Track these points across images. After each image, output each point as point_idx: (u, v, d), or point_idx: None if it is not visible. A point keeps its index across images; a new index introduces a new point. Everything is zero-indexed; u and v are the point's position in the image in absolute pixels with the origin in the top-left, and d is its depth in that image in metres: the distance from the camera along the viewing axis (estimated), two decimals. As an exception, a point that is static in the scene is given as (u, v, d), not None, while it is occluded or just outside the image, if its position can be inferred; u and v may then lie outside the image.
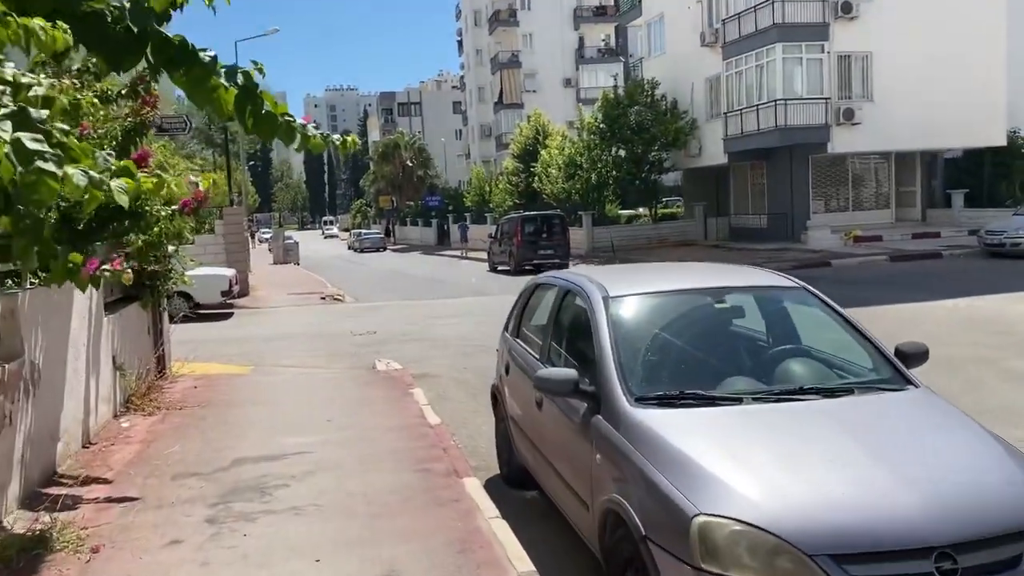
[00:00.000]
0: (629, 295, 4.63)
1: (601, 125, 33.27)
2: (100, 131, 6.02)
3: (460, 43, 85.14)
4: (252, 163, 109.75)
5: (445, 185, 74.95)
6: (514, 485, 5.91)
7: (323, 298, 20.86)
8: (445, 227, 56.67)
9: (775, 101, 27.57)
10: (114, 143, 6.08)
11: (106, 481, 5.70)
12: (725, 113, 30.68)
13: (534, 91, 69.50)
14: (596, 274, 5.16)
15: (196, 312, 17.69)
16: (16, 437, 5.10)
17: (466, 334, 13.86)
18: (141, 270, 8.50)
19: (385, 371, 10.29)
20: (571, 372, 4.17)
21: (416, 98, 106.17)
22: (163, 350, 9.81)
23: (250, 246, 72.98)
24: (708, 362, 4.38)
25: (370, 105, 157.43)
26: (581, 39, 70.47)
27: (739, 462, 3.30)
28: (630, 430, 3.67)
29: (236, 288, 18.69)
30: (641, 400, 3.85)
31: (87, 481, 5.67)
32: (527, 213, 29.77)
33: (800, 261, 24.24)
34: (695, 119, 33.05)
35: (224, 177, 46.40)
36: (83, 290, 4.63)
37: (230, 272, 18.32)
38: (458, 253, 43.90)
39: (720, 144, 31.22)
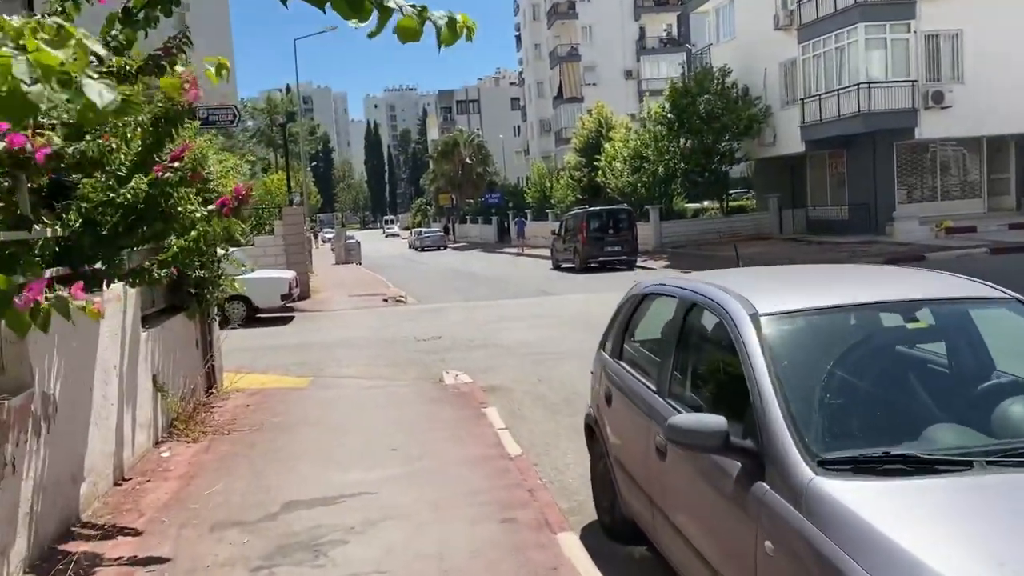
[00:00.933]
0: (786, 312, 3.49)
1: (668, 115, 31.86)
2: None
3: (518, 38, 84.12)
4: (314, 163, 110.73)
5: (504, 182, 74.10)
6: (619, 539, 4.83)
7: (385, 300, 20.07)
8: (505, 224, 55.79)
9: (857, 85, 25.84)
10: (139, 131, 5.19)
11: (135, 532, 4.82)
12: (802, 99, 29.00)
13: (594, 84, 68.06)
14: (730, 281, 4.04)
15: (255, 317, 17.07)
16: (22, 487, 4.24)
17: (535, 340, 12.85)
18: (182, 277, 7.68)
19: (454, 385, 9.31)
20: (718, 422, 3.07)
21: (474, 95, 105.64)
22: (213, 364, 9.00)
23: (313, 246, 73.38)
24: (903, 403, 3.24)
25: (429, 104, 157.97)
26: (642, 29, 68.75)
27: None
28: (820, 513, 2.57)
29: (296, 291, 18.01)
30: (828, 465, 2.74)
31: (112, 532, 4.80)
32: (593, 208, 28.60)
33: (890, 255, 22.54)
34: (768, 106, 31.41)
35: (283, 178, 46.38)
36: (21, 335, 3.58)
37: (290, 275, 17.64)
38: (518, 251, 42.94)
39: (796, 132, 29.54)
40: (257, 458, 6.36)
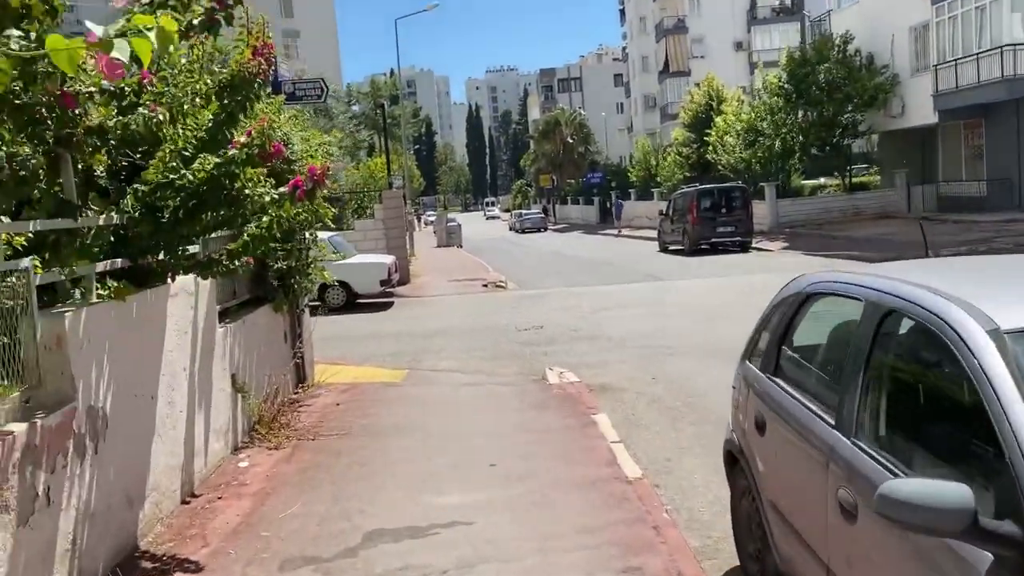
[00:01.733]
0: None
1: (786, 86, 29.85)
2: (181, 84, 4.46)
3: (622, 12, 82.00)
4: (416, 147, 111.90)
5: (606, 161, 72.53)
6: (770, 598, 3.84)
7: (485, 285, 19.40)
8: (608, 205, 54.48)
9: (1000, 48, 23.36)
10: (199, 102, 4.50)
11: (195, 568, 4.17)
12: (935, 66, 26.56)
13: (701, 57, 65.48)
14: (939, 278, 2.98)
15: (355, 302, 16.67)
16: (61, 519, 3.62)
17: (645, 330, 11.83)
18: (263, 267, 7.08)
19: (559, 385, 8.44)
20: (960, 495, 2.07)
21: (576, 73, 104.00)
22: (302, 358, 8.42)
23: (416, 228, 73.89)
24: None
25: (530, 84, 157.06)
26: (753, -1, 65.66)
27: None
28: None
29: (396, 276, 17.53)
30: None
31: (171, 567, 4.16)
32: (703, 186, 27.09)
33: (1037, 234, 20.37)
34: (896, 75, 29.00)
35: (384, 161, 46.55)
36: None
37: (389, 260, 17.16)
38: (624, 232, 41.65)
39: (928, 101, 27.12)
40: (341, 473, 5.67)
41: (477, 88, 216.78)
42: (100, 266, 4.32)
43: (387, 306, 16.87)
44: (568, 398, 7.76)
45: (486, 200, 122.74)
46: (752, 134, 31.41)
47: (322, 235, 17.08)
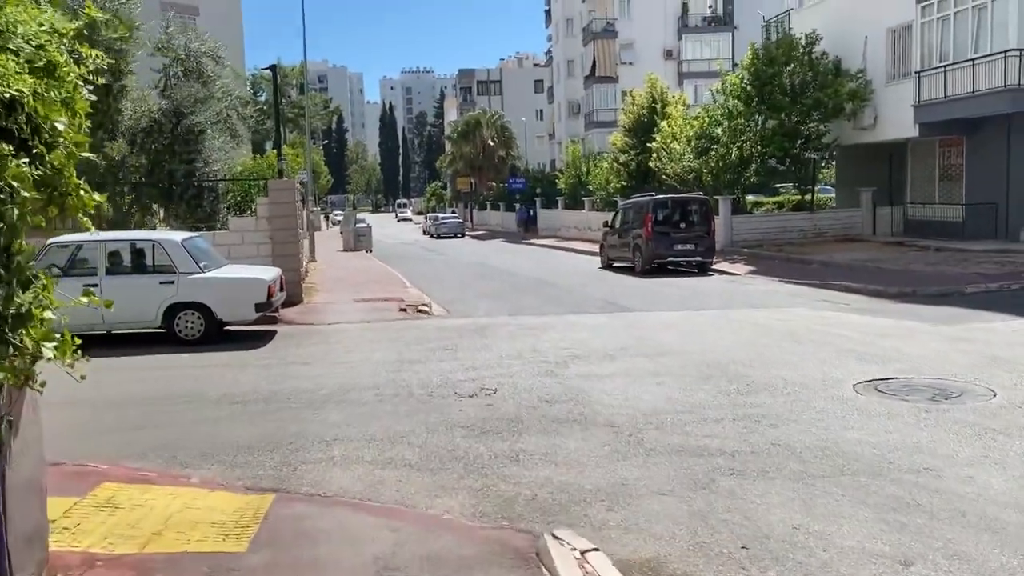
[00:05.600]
0: None
1: (748, 87, 26.41)
2: None
3: (548, 12, 78.57)
4: (326, 142, 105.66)
5: (525, 167, 68.75)
6: None
7: (403, 308, 14.86)
8: (532, 212, 50.60)
9: (1005, 53, 20.41)
10: None
11: None
12: (918, 72, 23.55)
13: (630, 63, 62.48)
14: None
15: (220, 331, 11.95)
16: None
17: (658, 406, 7.68)
18: None
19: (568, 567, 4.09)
20: None
21: (496, 76, 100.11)
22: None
23: (323, 226, 68.07)
24: None
25: (447, 87, 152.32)
26: (685, 5, 63.12)
27: None
28: None
29: (280, 296, 12.84)
30: None
31: None
32: (659, 196, 23.26)
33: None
34: (869, 81, 25.98)
35: (290, 152, 41.20)
36: None
37: (271, 274, 12.45)
38: (550, 243, 37.71)
39: (906, 113, 24.11)
40: None
41: (392, 88, 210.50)
42: None
43: (264, 339, 12.18)
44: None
45: (398, 202, 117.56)
46: (705, 141, 27.91)
47: (171, 237, 12.28)
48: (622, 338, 11.56)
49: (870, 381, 8.52)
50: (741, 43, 55.36)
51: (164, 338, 11.81)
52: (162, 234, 12.41)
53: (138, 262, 11.99)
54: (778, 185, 32.78)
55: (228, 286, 11.79)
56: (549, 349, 10.82)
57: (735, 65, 28.27)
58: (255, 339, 12.16)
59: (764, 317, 13.39)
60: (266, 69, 19.36)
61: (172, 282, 11.56)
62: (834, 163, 31.48)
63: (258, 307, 11.81)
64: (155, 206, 16.34)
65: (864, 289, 16.25)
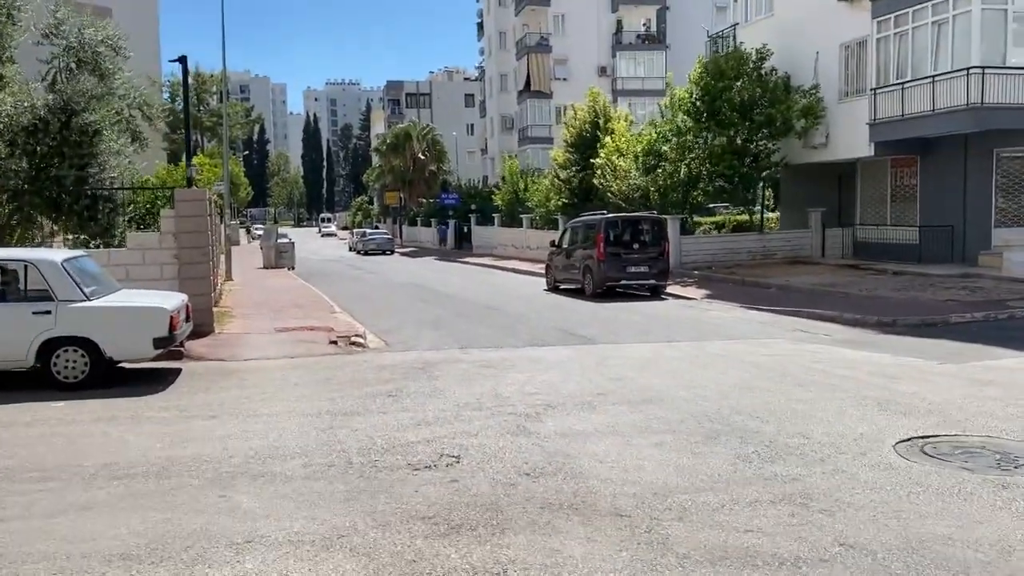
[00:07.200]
0: None
1: (697, 102, 25.30)
2: None
3: (480, 25, 77.24)
4: (247, 153, 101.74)
5: (457, 182, 67.04)
6: None
7: (333, 341, 12.85)
8: (466, 229, 48.92)
9: (967, 70, 19.72)
10: None
11: None
12: (873, 89, 22.84)
13: (564, 79, 61.68)
14: None
15: (110, 371, 9.83)
16: None
17: (669, 482, 6.00)
18: None
19: None
20: None
21: (426, 89, 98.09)
22: None
23: (244, 240, 64.77)
24: None
25: (373, 100, 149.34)
26: (619, 22, 62.69)
27: None
28: None
29: (186, 328, 10.72)
30: None
31: None
32: (611, 215, 21.79)
33: (1015, 294, 16.61)
34: (821, 98, 25.19)
35: (208, 161, 38.46)
36: None
37: (174, 302, 10.33)
38: (487, 262, 36.04)
39: (860, 131, 23.37)
40: None
41: (316, 99, 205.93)
42: None
43: (164, 381, 10.04)
44: None
45: (322, 216, 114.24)
46: (653, 158, 26.69)
47: (48, 256, 10.08)
48: (596, 380, 9.87)
49: (910, 440, 7.05)
50: (674, 62, 55.16)
51: (38, 379, 9.59)
52: (37, 252, 10.17)
53: (6, 287, 9.75)
54: (712, 205, 31.88)
55: (120, 317, 9.65)
56: (514, 395, 9.05)
57: (667, 85, 27.16)
58: (153, 380, 10.02)
59: (745, 351, 11.94)
60: (175, 61, 17.12)
61: (49, 312, 9.37)
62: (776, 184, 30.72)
63: (157, 342, 9.69)
64: (41, 218, 13.95)
65: (840, 318, 15.03)
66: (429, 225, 57.14)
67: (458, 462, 6.60)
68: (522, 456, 6.72)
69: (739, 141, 25.41)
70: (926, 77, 20.92)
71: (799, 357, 11.36)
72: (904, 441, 7.03)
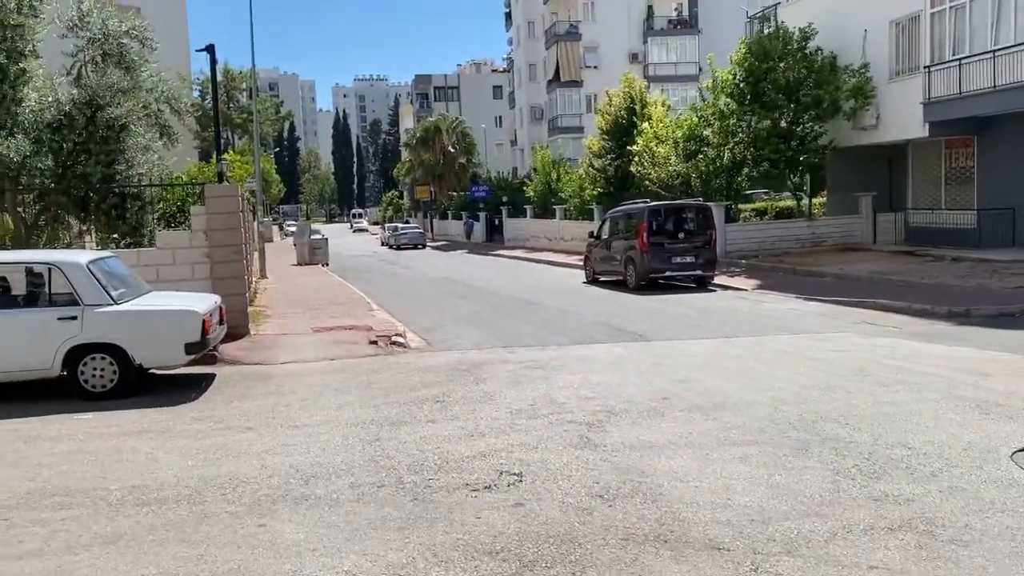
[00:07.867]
0: None
1: (741, 84, 24.32)
2: None
3: (508, 15, 76.36)
4: (278, 150, 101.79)
5: (486, 175, 66.38)
6: None
7: (373, 341, 12.23)
8: (497, 221, 48.23)
9: (1032, 42, 18.61)
10: None
11: None
12: (927, 67, 21.71)
13: (595, 67, 60.71)
14: None
15: (142, 379, 9.29)
16: None
17: (760, 500, 5.27)
18: None
19: None
20: None
21: (454, 82, 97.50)
22: None
23: (276, 236, 64.73)
24: None
25: (401, 95, 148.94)
26: (650, 8, 61.52)
27: None
28: None
29: (219, 332, 10.16)
30: None
31: None
32: (654, 204, 20.93)
33: None
34: (870, 77, 24.09)
35: (238, 158, 38.13)
36: None
37: (207, 305, 9.75)
38: (520, 254, 35.33)
39: (913, 111, 22.24)
40: None
41: (345, 96, 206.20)
42: None
43: (198, 388, 9.47)
44: None
45: (353, 211, 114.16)
46: (695, 143, 25.76)
47: (73, 257, 9.53)
48: (657, 382, 9.12)
49: (1027, 450, 6.24)
50: (706, 47, 53.88)
51: (65, 389, 9.06)
52: (61, 254, 9.62)
53: (30, 291, 9.24)
54: (750, 192, 30.81)
55: (149, 321, 9.09)
56: (570, 400, 8.34)
57: (710, 65, 26.14)
58: (185, 387, 9.46)
59: (812, 347, 11.11)
60: (202, 50, 16.58)
61: (75, 317, 8.82)
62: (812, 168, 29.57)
63: (189, 348, 9.12)
64: (68, 218, 13.48)
65: (908, 309, 14.11)
66: (460, 219, 56.56)
67: (520, 481, 5.91)
68: (591, 474, 6.01)
69: (784, 123, 24.41)
70: (986, 52, 19.78)
71: (873, 352, 10.51)
72: (1022, 451, 6.22)
